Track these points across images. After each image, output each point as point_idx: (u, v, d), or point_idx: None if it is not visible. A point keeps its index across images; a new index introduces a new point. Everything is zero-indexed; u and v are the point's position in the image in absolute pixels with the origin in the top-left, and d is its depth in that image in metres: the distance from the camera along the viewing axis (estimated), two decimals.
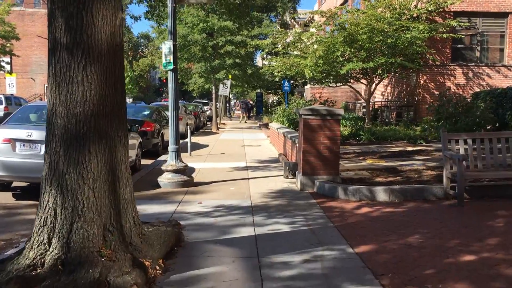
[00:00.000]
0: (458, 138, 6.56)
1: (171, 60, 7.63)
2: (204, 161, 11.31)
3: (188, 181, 7.79)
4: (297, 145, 8.88)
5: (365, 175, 8.03)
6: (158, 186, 7.72)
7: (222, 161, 11.30)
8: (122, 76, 4.00)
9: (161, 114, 14.60)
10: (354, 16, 16.83)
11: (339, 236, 4.90)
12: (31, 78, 55.31)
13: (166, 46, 7.72)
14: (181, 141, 14.55)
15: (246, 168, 10.05)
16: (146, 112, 13.50)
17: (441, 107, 13.60)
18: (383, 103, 23.43)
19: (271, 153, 13.00)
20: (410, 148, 11.50)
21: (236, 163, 10.76)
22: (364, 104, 26.18)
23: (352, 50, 16.92)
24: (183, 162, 7.90)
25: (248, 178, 8.65)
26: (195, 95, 52.71)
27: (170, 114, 7.85)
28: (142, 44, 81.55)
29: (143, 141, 12.29)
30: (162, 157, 11.94)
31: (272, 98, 57.05)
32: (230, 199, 6.80)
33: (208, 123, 29.83)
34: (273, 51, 20.97)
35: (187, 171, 8.00)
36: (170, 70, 7.71)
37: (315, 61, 16.72)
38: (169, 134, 7.94)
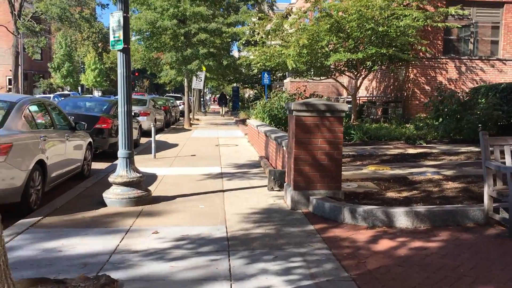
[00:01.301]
0: (504, 144, 4.91)
1: (121, 37, 5.74)
2: (171, 165, 9.43)
3: (143, 197, 5.93)
4: (284, 148, 7.13)
5: (371, 188, 6.35)
6: (104, 204, 5.83)
7: (192, 165, 9.45)
8: None
9: None
10: (342, 2, 15.16)
11: None
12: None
13: (115, 19, 5.82)
14: (146, 140, 12.51)
15: (221, 175, 8.24)
16: (104, 107, 11.49)
17: (442, 103, 12.08)
18: (368, 98, 21.97)
19: (250, 154, 11.22)
20: (411, 151, 9.91)
21: (209, 168, 8.93)
22: (348, 99, 24.74)
23: (338, 39, 15.29)
24: (137, 172, 6.03)
25: (223, 190, 6.84)
26: (168, 89, 50.34)
27: (120, 109, 5.96)
28: None
29: (98, 141, 10.35)
30: None
31: (249, 93, 55.21)
32: (198, 225, 4.99)
33: (181, 118, 27.81)
34: (251, 40, 19.15)
35: (142, 183, 6.13)
36: (120, 50, 5.81)
37: (298, 50, 15.00)
38: (119, 135, 6.05)
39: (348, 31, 14.70)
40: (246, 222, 5.12)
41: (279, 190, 6.78)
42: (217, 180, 7.70)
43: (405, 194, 5.98)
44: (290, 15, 17.58)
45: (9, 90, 39.62)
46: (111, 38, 5.90)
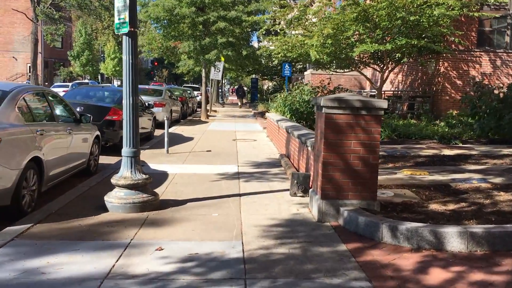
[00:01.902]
0: None
1: (127, 19, 5.00)
2: (184, 162, 8.73)
3: (149, 201, 5.23)
4: (309, 148, 6.34)
5: (410, 198, 5.52)
6: (105, 209, 5.15)
7: (207, 162, 8.73)
8: None
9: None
10: None
11: None
12: (13, 57, 52.03)
13: None
14: (161, 132, 11.82)
15: (238, 175, 7.50)
16: (116, 97, 10.84)
17: (480, 99, 11.08)
18: (394, 92, 20.90)
19: (270, 151, 10.45)
20: (447, 152, 9.00)
21: (224, 167, 8.20)
22: (372, 93, 23.70)
23: (365, 29, 14.31)
24: (143, 173, 5.32)
25: (240, 195, 6.09)
26: (186, 79, 49.78)
27: (124, 101, 5.26)
28: None
29: (109, 133, 9.75)
30: None
31: (267, 85, 54.28)
32: (211, 240, 4.26)
33: (198, 109, 27.13)
34: (272, 29, 18.26)
35: (149, 185, 5.42)
36: (125, 34, 5.08)
37: (322, 40, 14.09)
38: (123, 130, 5.35)
39: (376, 20, 13.71)
40: (266, 237, 4.37)
41: (302, 196, 6.01)
42: (233, 181, 6.96)
43: (451, 206, 5.13)
44: (314, 3, 16.67)
45: (30, 77, 39.64)
46: (116, 21, 5.17)
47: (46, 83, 45.87)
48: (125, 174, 5.21)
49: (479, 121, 10.98)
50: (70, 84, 31.84)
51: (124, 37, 5.12)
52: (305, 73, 28.68)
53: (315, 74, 24.81)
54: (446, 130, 11.42)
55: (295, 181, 6.06)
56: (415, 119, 15.31)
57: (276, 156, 9.67)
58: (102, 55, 58.04)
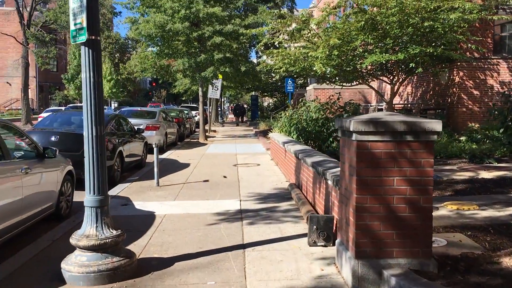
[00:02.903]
0: None
1: (84, 24, 3.73)
2: (176, 197, 7.37)
3: (121, 267, 3.87)
4: (328, 182, 5.00)
5: (469, 247, 4.16)
6: (62, 280, 3.80)
7: (203, 197, 7.38)
8: None
9: (122, 124, 10.67)
10: None
11: None
12: (7, 82, 51.10)
13: None
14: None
15: (240, 214, 6.14)
16: None
17: (511, 111, 9.78)
18: (404, 105, 19.63)
19: (276, 178, 9.10)
20: (485, 174, 7.66)
21: (224, 203, 6.86)
22: (379, 107, 22.45)
23: (374, 38, 13.11)
24: (112, 229, 3.96)
25: (244, 246, 4.74)
26: (184, 98, 48.72)
27: (85, 133, 3.95)
28: (130, 46, 77.76)
29: None
30: (116, 190, 8.02)
31: (268, 101, 53.19)
32: None
33: (197, 130, 25.84)
34: (271, 43, 17.09)
35: (121, 244, 4.07)
36: (83, 43, 3.80)
37: (327, 52, 12.88)
38: (85, 173, 4.02)
39: (387, 28, 12.51)
40: None
41: (324, 245, 4.66)
42: (235, 225, 5.60)
43: None
44: (312, 15, 15.53)
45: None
46: (71, 27, 3.89)
47: (42, 108, 44.85)
48: (89, 231, 3.86)
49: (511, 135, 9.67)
50: (63, 108, 30.65)
51: (82, 47, 3.84)
52: (307, 88, 27.50)
53: (318, 88, 23.61)
54: (474, 146, 10.09)
55: (315, 226, 4.70)
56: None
57: (284, 184, 8.33)
58: None
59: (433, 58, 13.81)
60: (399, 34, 12.79)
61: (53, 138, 8.27)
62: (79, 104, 41.56)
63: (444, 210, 5.41)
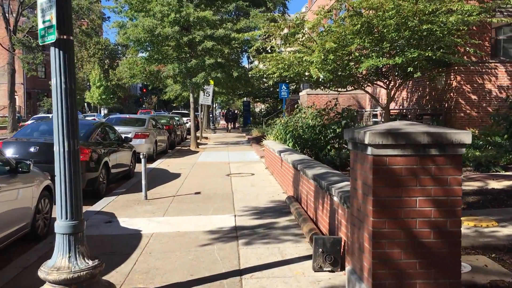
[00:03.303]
0: None
1: (53, 21, 3.20)
2: (165, 213, 6.82)
3: None
4: (334, 199, 4.49)
5: (496, 272, 3.68)
6: None
7: (195, 212, 6.83)
8: None
9: (109, 133, 10.09)
10: None
11: None
12: None
13: None
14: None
15: (236, 232, 5.61)
16: (82, 131, 8.94)
17: None
18: (399, 111, 19.25)
19: (272, 190, 8.58)
20: (495, 184, 7.21)
21: (218, 218, 6.32)
22: (375, 112, 22.09)
23: (371, 42, 12.69)
24: (88, 259, 3.40)
25: (240, 272, 4.21)
26: (175, 104, 48.10)
27: (56, 147, 3.40)
28: (120, 52, 77.14)
29: None
30: (101, 204, 7.45)
31: (260, 107, 52.71)
32: None
33: (188, 136, 25.28)
34: (263, 47, 16.64)
35: (98, 276, 3.50)
36: (53, 44, 3.27)
37: (322, 56, 12.43)
38: (56, 195, 3.47)
39: (384, 31, 12.10)
40: None
41: (331, 271, 4.15)
42: (230, 245, 5.06)
43: None
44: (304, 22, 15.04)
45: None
46: (40, 25, 3.35)
47: (30, 115, 43.95)
48: (60, 262, 3.31)
49: None
50: (50, 115, 29.86)
51: (52, 49, 3.30)
52: (300, 93, 27.07)
53: (311, 94, 23.20)
54: (477, 153, 9.67)
55: (320, 249, 4.19)
56: None
57: (281, 196, 7.82)
58: (87, 84, 56.47)
59: (430, 62, 13.45)
60: (395, 38, 12.40)
61: (32, 149, 7.69)
62: None
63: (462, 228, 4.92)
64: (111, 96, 59.62)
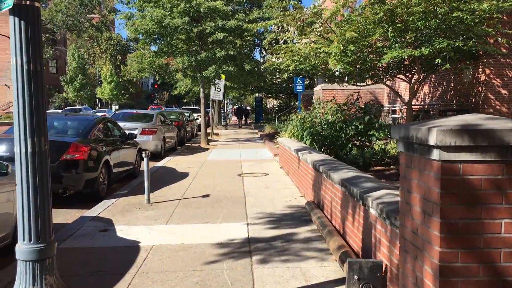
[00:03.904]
0: None
1: None
2: (168, 220, 6.02)
3: None
4: (371, 212, 3.63)
5: None
6: None
7: (201, 219, 6.02)
8: None
9: (111, 129, 9.33)
10: None
11: None
12: (5, 85, 49.95)
13: None
14: (152, 165, 9.25)
15: (248, 246, 4.78)
16: (81, 128, 8.19)
17: None
18: (422, 106, 18.23)
19: (288, 192, 7.74)
20: None
21: (228, 228, 5.50)
22: (394, 108, 21.08)
23: (394, 32, 11.72)
24: None
25: None
26: (186, 100, 47.44)
27: (16, 148, 2.60)
28: (131, 47, 76.81)
29: (68, 178, 7.14)
30: (98, 209, 6.69)
31: (272, 103, 51.79)
32: None
33: (199, 133, 24.55)
34: (277, 39, 15.76)
35: None
36: (11, 10, 2.47)
37: (342, 47, 11.51)
38: (17, 209, 2.68)
39: (410, 19, 11.13)
40: None
41: None
42: (242, 263, 4.24)
43: None
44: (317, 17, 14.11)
45: None
46: None
47: None
48: None
49: None
50: (59, 111, 29.39)
51: (10, 18, 2.50)
52: (315, 89, 26.11)
53: (326, 89, 22.23)
54: None
55: (356, 276, 3.34)
56: None
57: (298, 200, 6.98)
58: (99, 79, 56.12)
59: (458, 53, 12.45)
60: (421, 28, 11.43)
61: None
62: (77, 107, 40.34)
63: None
64: (123, 92, 59.26)
